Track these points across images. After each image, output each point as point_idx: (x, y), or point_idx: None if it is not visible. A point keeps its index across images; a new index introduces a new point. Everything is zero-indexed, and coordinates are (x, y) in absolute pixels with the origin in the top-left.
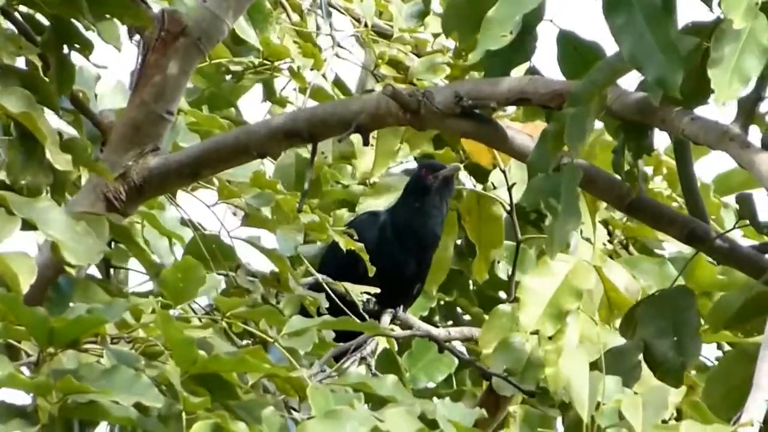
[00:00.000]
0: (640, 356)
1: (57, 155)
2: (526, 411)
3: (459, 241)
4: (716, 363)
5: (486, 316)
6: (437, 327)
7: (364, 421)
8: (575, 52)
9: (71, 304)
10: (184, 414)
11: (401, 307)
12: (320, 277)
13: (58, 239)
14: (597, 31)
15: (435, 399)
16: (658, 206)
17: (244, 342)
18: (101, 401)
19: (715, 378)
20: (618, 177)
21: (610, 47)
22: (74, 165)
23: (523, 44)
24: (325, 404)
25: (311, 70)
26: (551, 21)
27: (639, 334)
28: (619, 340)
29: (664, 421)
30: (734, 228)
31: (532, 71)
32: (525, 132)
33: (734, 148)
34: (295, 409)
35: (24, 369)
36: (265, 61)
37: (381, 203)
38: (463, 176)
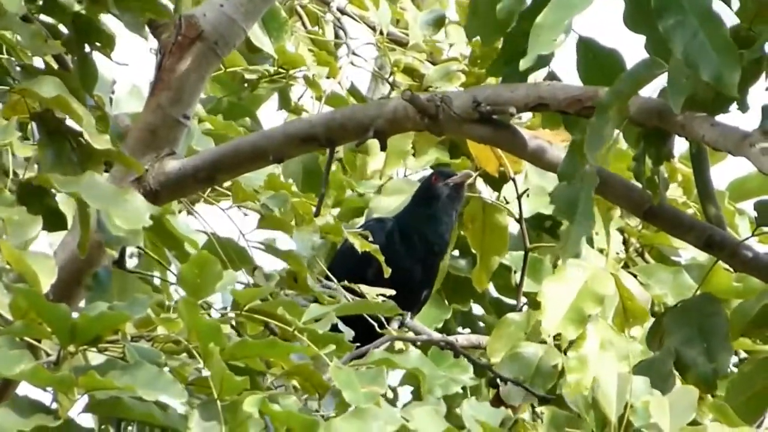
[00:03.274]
0: (672, 365)
1: (95, 136)
2: (552, 412)
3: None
4: (736, 369)
5: None
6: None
7: (390, 420)
8: (594, 58)
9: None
10: (219, 403)
11: (409, 313)
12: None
13: (108, 207)
14: (615, 36)
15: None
16: (675, 213)
17: None
18: (124, 398)
19: (736, 385)
20: (635, 183)
21: (628, 54)
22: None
23: None
24: (348, 381)
25: (327, 78)
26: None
27: (667, 344)
28: (635, 347)
29: (690, 424)
30: (753, 236)
31: (551, 77)
32: (543, 138)
33: (755, 154)
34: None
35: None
36: (280, 70)
37: (392, 203)
38: (480, 184)
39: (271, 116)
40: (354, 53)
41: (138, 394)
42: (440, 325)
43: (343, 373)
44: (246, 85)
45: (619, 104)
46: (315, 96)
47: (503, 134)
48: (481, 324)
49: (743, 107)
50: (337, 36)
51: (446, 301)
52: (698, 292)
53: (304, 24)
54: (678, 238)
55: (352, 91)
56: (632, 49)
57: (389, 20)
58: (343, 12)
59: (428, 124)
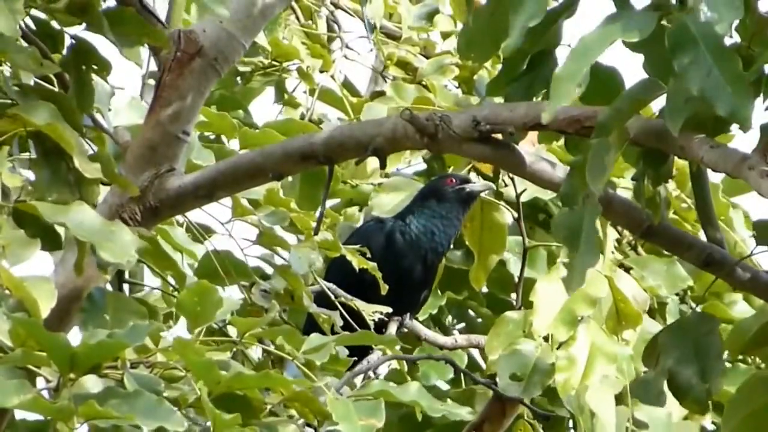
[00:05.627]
0: (665, 384)
1: (85, 164)
2: None
3: None
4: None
5: (495, 318)
6: (446, 327)
7: None
8: (592, 76)
9: (106, 316)
10: None
11: (408, 314)
12: (327, 286)
13: (94, 240)
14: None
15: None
16: (675, 232)
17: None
18: (125, 426)
19: (734, 403)
20: (634, 202)
21: (626, 71)
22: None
23: (542, 70)
24: (346, 414)
25: (320, 72)
26: (569, 46)
27: (662, 362)
28: (627, 351)
29: None
30: (751, 255)
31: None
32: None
33: (753, 177)
34: None
35: (44, 394)
36: (273, 62)
37: (392, 200)
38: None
39: (263, 110)
40: (348, 47)
41: (137, 423)
42: (434, 312)
43: (341, 405)
44: (239, 78)
45: (619, 126)
46: (308, 89)
47: (503, 153)
48: (478, 319)
49: (745, 127)
50: (330, 29)
51: (439, 291)
52: (695, 310)
53: (297, 18)
54: (677, 256)
55: (346, 84)
56: (631, 65)
57: (382, 14)
58: (336, 6)
59: (427, 143)
